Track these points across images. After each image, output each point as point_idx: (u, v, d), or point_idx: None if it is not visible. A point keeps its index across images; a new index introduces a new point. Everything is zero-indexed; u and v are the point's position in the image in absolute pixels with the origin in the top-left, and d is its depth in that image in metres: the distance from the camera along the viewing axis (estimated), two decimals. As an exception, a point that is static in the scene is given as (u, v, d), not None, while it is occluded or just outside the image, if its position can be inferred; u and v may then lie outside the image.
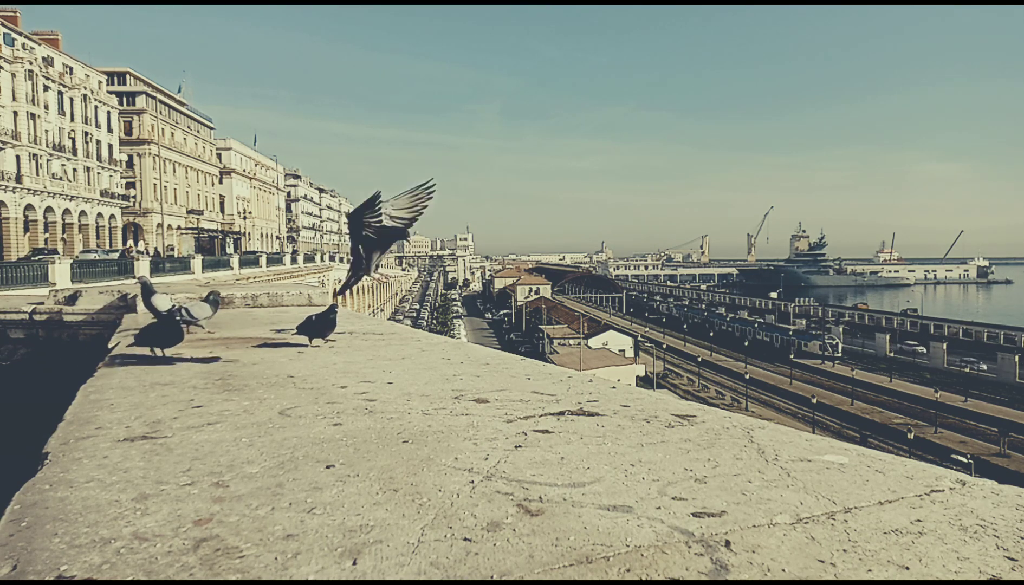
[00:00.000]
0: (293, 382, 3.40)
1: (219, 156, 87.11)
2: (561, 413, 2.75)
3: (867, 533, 1.57)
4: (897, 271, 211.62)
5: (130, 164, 68.66)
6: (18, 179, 49.78)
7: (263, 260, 54.95)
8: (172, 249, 50.73)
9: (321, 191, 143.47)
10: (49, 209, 53.46)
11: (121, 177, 66.48)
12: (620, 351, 64.22)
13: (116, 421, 2.63)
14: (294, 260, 63.18)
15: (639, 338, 74.89)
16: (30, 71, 51.40)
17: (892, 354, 67.75)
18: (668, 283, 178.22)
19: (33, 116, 52.23)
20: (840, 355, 68.43)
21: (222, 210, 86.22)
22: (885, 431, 44.04)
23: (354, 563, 1.42)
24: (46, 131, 53.91)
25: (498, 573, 1.38)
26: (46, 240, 51.55)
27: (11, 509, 1.75)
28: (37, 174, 52.24)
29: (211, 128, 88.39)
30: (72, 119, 57.88)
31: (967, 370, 57.71)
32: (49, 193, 52.92)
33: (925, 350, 67.30)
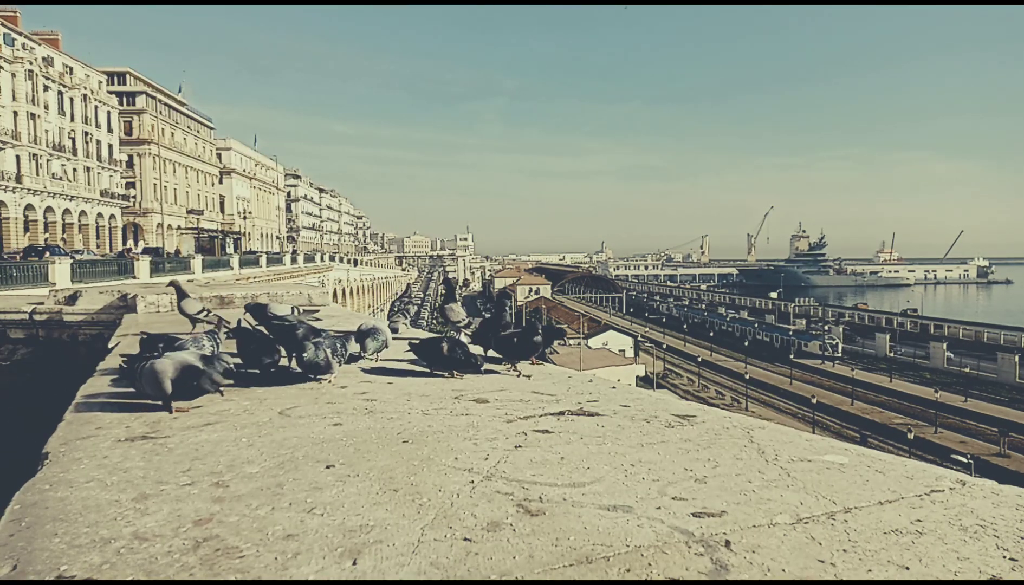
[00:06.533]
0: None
1: (219, 156, 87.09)
2: (561, 413, 2.75)
3: (867, 533, 1.57)
4: (897, 271, 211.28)
5: (130, 164, 68.67)
6: (18, 179, 49.80)
7: (263, 260, 54.86)
8: (177, 253, 50.63)
9: (321, 191, 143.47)
10: (49, 209, 53.48)
11: (121, 177, 66.49)
12: (620, 351, 64.12)
13: (116, 421, 2.63)
14: (294, 260, 63.10)
15: (639, 338, 74.77)
16: (30, 71, 51.38)
17: (892, 354, 67.73)
18: (668, 283, 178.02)
19: (33, 116, 52.22)
20: (840, 355, 68.33)
21: (222, 210, 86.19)
22: (885, 431, 43.96)
23: (354, 563, 1.42)
24: (46, 131, 53.90)
25: (498, 573, 1.38)
26: (46, 240, 51.48)
27: (11, 509, 1.75)
28: (37, 174, 52.25)
29: (211, 128, 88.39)
30: (72, 119, 57.86)
31: (967, 370, 57.67)
32: (49, 193, 52.93)
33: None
